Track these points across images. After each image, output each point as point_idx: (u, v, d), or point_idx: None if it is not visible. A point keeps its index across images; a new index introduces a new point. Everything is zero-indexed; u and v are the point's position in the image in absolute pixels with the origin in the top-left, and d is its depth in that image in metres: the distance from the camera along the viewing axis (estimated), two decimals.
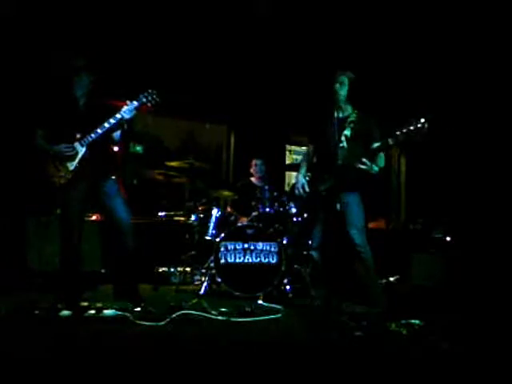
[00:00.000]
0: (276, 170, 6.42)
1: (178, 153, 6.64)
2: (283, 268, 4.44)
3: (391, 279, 5.25)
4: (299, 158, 7.78)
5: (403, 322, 3.12)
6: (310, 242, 4.93)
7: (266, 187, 4.97)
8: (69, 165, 3.55)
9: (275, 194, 4.95)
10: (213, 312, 3.48)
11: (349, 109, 3.76)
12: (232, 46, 6.15)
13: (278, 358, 2.54)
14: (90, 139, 3.57)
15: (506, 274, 4.58)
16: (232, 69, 6.48)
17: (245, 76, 6.61)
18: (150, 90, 3.61)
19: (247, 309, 3.65)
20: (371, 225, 7.29)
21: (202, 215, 5.16)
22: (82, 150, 3.57)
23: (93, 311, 3.33)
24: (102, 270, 4.94)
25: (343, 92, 3.71)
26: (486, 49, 5.58)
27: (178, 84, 6.23)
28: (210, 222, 4.99)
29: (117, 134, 3.73)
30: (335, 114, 3.77)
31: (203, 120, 7.06)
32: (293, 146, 7.89)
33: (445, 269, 4.93)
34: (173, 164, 5.23)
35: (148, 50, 5.85)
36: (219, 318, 3.39)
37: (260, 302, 4.18)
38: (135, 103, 3.59)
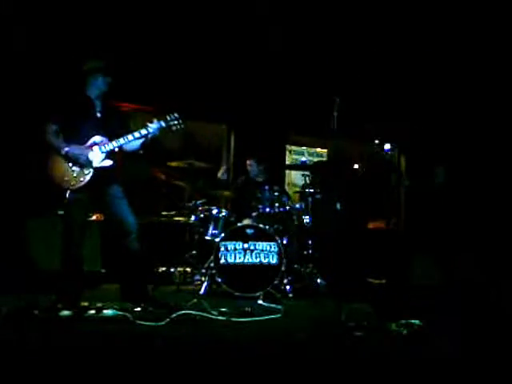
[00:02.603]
0: (276, 170, 6.41)
1: (178, 153, 6.64)
2: (283, 268, 4.44)
3: (390, 279, 5.24)
4: (299, 158, 7.80)
5: (403, 321, 3.12)
6: (310, 242, 4.96)
7: (267, 187, 4.97)
8: (85, 170, 3.52)
9: (275, 193, 4.94)
10: (213, 312, 3.48)
11: None
12: (232, 45, 6.16)
13: (278, 358, 2.54)
14: (111, 148, 3.56)
15: (506, 273, 4.58)
16: (232, 68, 6.48)
17: (245, 76, 6.61)
18: (176, 115, 3.64)
19: (247, 309, 3.65)
20: (371, 225, 7.30)
21: (202, 215, 5.16)
22: (101, 157, 3.55)
23: (93, 311, 3.33)
24: (102, 270, 4.94)
25: None
26: (485, 49, 5.58)
27: (179, 84, 6.24)
28: (212, 221, 4.99)
29: (136, 145, 3.72)
30: None
31: (203, 120, 7.06)
32: (293, 146, 7.88)
33: (445, 269, 4.92)
34: (173, 164, 5.23)
35: (149, 51, 5.85)
36: (219, 318, 3.39)
37: (260, 301, 4.18)
38: (163, 124, 3.63)
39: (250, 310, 3.63)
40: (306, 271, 4.87)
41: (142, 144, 3.72)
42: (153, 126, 3.62)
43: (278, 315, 3.58)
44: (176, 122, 3.65)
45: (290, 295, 4.43)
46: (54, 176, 3.52)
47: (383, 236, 6.80)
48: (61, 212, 4.88)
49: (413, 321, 3.14)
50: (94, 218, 4.96)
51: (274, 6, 5.60)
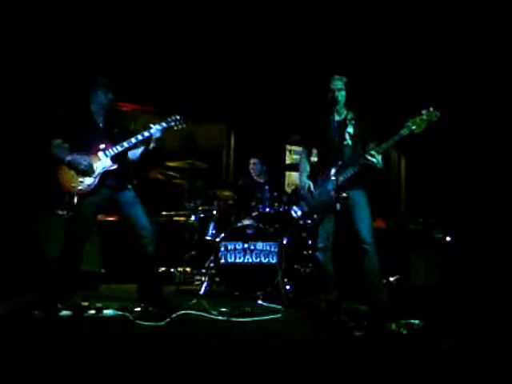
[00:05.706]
0: (276, 169, 6.41)
1: (178, 153, 6.64)
2: (283, 268, 4.43)
3: (391, 279, 5.24)
4: (299, 158, 7.79)
5: (403, 321, 3.13)
6: (310, 243, 4.95)
7: (267, 187, 4.97)
8: (91, 176, 3.52)
9: (275, 193, 4.94)
10: (213, 312, 3.48)
11: (346, 111, 3.81)
12: (232, 45, 6.15)
13: (277, 358, 2.54)
14: (115, 151, 3.60)
15: (505, 273, 4.58)
16: (232, 69, 6.48)
17: (245, 76, 6.61)
18: (178, 116, 3.73)
19: (247, 309, 3.65)
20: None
21: (202, 215, 5.16)
22: (106, 162, 3.58)
23: (93, 311, 3.34)
24: (102, 270, 4.94)
25: (341, 96, 3.75)
26: (487, 49, 5.57)
27: (179, 84, 6.23)
28: (212, 221, 4.99)
29: (135, 153, 3.78)
30: (333, 117, 3.79)
31: (203, 120, 7.06)
32: (293, 146, 7.88)
33: (445, 269, 4.93)
34: (173, 164, 5.23)
35: (149, 51, 5.85)
36: (219, 317, 3.39)
37: (260, 302, 4.18)
38: (164, 125, 3.70)
39: (249, 310, 3.63)
40: (306, 271, 4.87)
41: (142, 154, 3.79)
42: (155, 128, 3.67)
43: (278, 315, 3.58)
44: (177, 122, 3.73)
45: (290, 295, 4.42)
46: (62, 184, 3.54)
47: (383, 236, 6.79)
48: (61, 212, 4.92)
49: (413, 321, 3.14)
50: None
51: (273, 6, 5.60)
